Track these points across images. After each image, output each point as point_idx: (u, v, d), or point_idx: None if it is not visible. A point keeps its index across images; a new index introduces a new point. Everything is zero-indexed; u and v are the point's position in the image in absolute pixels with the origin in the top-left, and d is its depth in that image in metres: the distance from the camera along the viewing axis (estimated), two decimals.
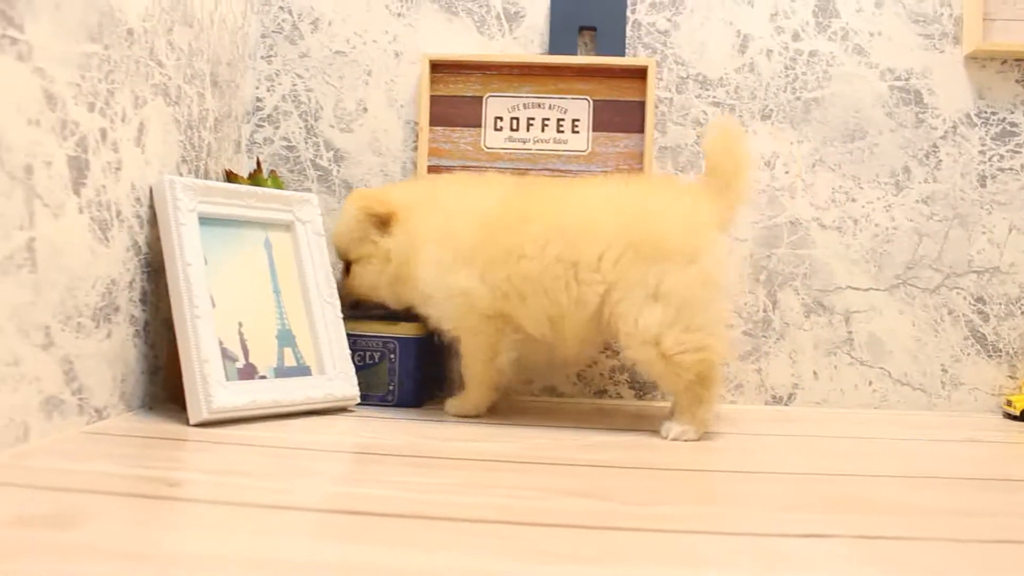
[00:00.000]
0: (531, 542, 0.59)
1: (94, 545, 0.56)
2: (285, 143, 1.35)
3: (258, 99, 1.35)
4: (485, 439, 0.98)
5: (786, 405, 1.32)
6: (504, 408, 1.18)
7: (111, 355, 0.98)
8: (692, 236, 1.04)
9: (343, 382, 1.11)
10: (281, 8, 1.35)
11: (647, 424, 1.10)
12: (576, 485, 0.78)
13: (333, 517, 0.64)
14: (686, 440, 1.01)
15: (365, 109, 1.34)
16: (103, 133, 0.94)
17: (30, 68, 0.82)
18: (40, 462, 0.77)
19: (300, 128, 1.34)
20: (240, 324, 1.06)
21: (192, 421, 0.98)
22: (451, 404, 1.14)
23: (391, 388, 1.15)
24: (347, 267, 1.20)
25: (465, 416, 1.12)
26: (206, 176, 1.21)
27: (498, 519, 0.65)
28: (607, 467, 0.86)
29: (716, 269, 1.03)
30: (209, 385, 0.98)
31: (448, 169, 1.31)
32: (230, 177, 1.19)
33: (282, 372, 1.08)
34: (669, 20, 1.34)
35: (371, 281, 1.17)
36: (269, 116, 1.35)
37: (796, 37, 1.33)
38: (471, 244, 1.08)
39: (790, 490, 0.79)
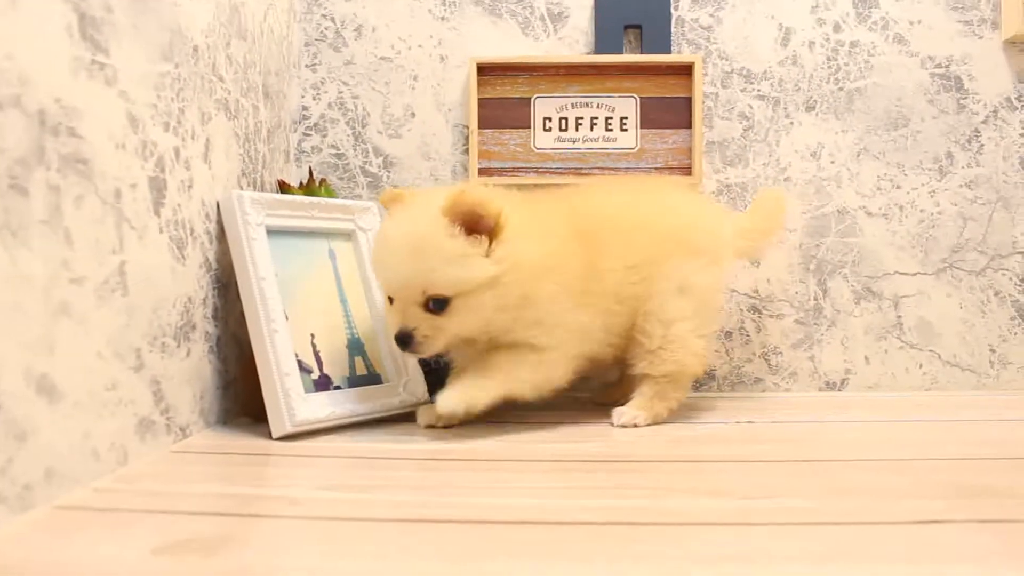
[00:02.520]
0: (657, 542, 0.60)
1: (251, 569, 0.56)
2: (334, 151, 1.35)
3: (304, 108, 1.35)
4: (568, 439, 0.99)
5: (839, 391, 1.34)
6: (557, 404, 1.19)
7: (191, 373, 0.99)
8: (717, 238, 1.14)
9: (414, 387, 1.11)
10: (324, 16, 1.35)
11: (713, 416, 1.12)
12: (678, 482, 0.79)
13: (462, 528, 0.65)
14: (635, 425, 1.05)
15: (413, 114, 1.35)
16: (176, 152, 0.95)
17: (116, 92, 0.82)
18: (147, 485, 0.78)
19: (348, 135, 1.35)
20: (312, 336, 1.07)
21: (275, 435, 0.98)
22: (450, 396, 0.97)
23: None
24: (430, 305, 0.96)
25: (470, 412, 0.99)
26: (262, 188, 1.21)
27: (614, 520, 0.66)
28: (696, 462, 0.87)
29: (726, 277, 1.15)
30: (291, 399, 0.99)
31: (500, 172, 1.31)
32: (283, 188, 1.20)
33: (354, 381, 1.09)
34: (712, 16, 1.34)
35: (484, 318, 0.97)
36: (316, 124, 1.35)
37: (837, 28, 1.34)
38: (576, 276, 1.01)
39: (895, 478, 0.80)
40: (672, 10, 1.34)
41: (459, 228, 0.93)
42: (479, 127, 1.31)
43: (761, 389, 1.34)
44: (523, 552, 0.60)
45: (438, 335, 0.96)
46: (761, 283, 1.34)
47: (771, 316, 1.34)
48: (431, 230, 0.94)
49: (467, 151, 1.33)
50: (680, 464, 0.87)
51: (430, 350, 0.97)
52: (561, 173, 1.32)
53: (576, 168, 1.32)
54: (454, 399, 0.96)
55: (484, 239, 0.94)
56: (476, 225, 0.94)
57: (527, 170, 1.32)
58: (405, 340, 0.96)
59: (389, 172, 1.35)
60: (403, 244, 0.95)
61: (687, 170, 1.31)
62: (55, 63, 0.73)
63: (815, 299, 1.34)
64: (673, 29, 1.34)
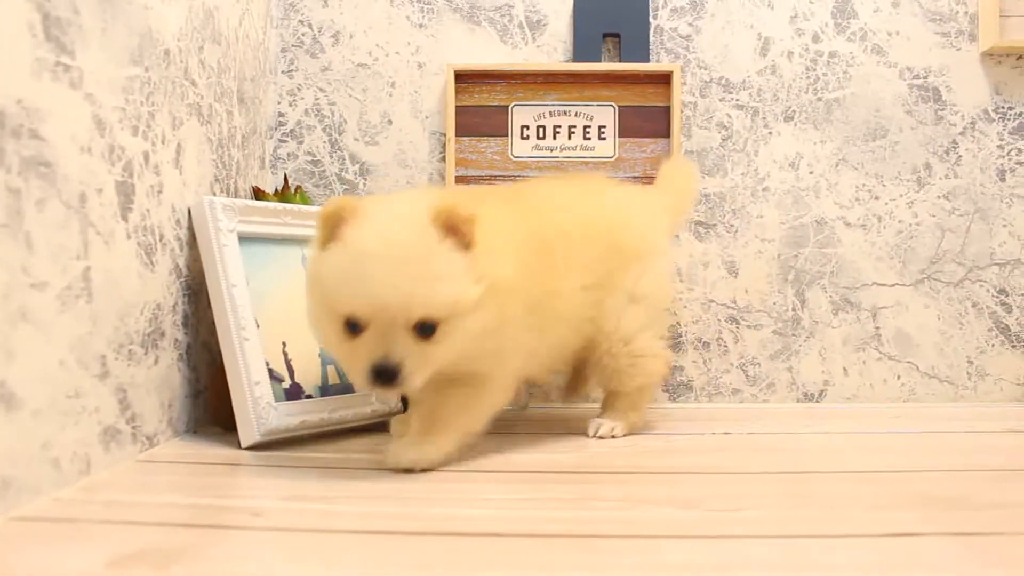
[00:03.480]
0: (623, 554, 0.59)
1: None
2: (309, 158, 1.34)
3: (280, 114, 1.34)
4: (543, 450, 0.97)
5: (817, 402, 1.33)
6: (513, 419, 1.18)
7: (159, 381, 0.97)
8: (657, 233, 1.11)
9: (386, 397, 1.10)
10: (301, 22, 1.34)
11: (689, 427, 1.11)
12: (650, 493, 0.78)
13: (429, 540, 0.64)
14: (613, 436, 1.04)
15: (390, 121, 1.34)
16: (146, 156, 0.93)
17: (82, 94, 0.81)
18: (109, 495, 0.76)
19: (324, 142, 1.33)
20: (284, 344, 1.05)
21: (244, 444, 0.97)
22: (406, 452, 0.87)
23: None
24: (419, 331, 0.81)
25: (430, 468, 0.87)
26: (236, 194, 1.19)
27: (581, 533, 0.65)
28: (669, 473, 0.86)
29: (670, 270, 1.13)
30: (260, 407, 0.97)
31: (477, 179, 1.30)
32: (258, 194, 1.18)
33: (326, 390, 1.07)
34: (691, 25, 1.34)
35: (468, 345, 0.85)
36: (292, 131, 1.34)
37: (816, 39, 1.34)
38: (534, 295, 0.93)
39: (870, 489, 0.79)
40: (651, 19, 1.33)
41: (451, 242, 0.81)
42: (456, 135, 1.30)
43: (739, 400, 1.33)
44: (490, 564, 0.59)
45: (425, 366, 0.81)
46: (739, 293, 1.33)
47: (749, 327, 1.33)
48: (423, 241, 0.80)
49: (444, 159, 1.32)
50: (653, 475, 0.86)
51: (413, 385, 0.82)
52: None
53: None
54: (409, 456, 0.85)
55: (467, 252, 0.82)
56: (460, 236, 0.82)
57: (505, 178, 1.31)
58: (389, 374, 0.80)
59: (365, 179, 1.33)
60: (391, 257, 0.79)
61: None
62: (16, 63, 0.72)
63: (793, 310, 1.34)
64: (652, 38, 1.33)
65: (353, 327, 0.81)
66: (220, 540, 0.64)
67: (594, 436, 1.04)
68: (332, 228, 0.83)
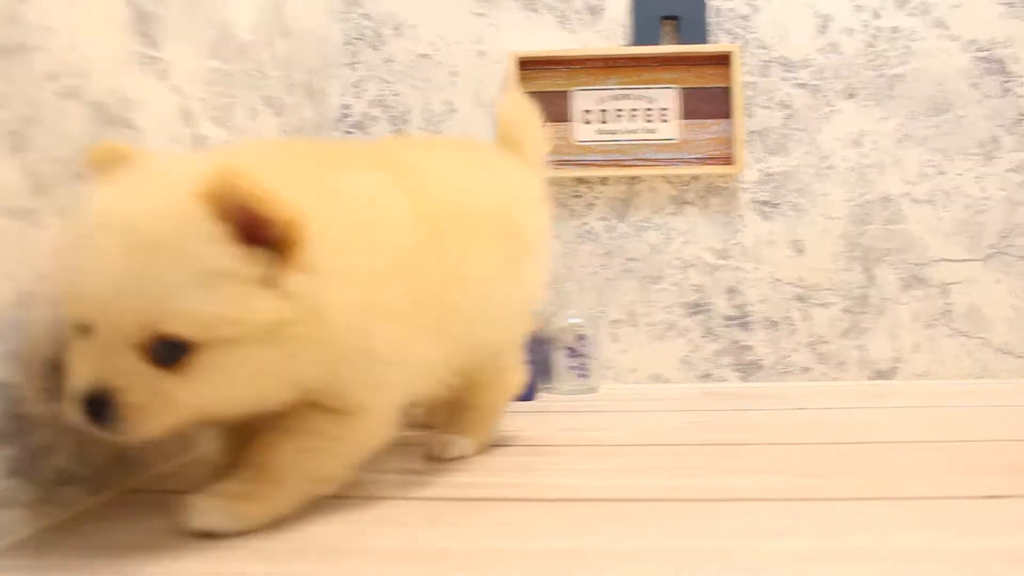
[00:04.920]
0: (715, 517, 0.60)
1: None
2: None
3: (345, 106, 1.37)
4: (610, 428, 0.98)
5: (889, 379, 1.33)
6: (612, 396, 1.19)
7: None
8: (544, 219, 0.88)
9: None
10: (362, 15, 1.37)
11: (763, 403, 1.11)
12: (738, 464, 0.79)
13: (537, 506, 0.65)
14: (463, 456, 0.82)
15: (453, 110, 1.35)
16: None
17: (168, 86, 0.84)
18: None
19: (390, 132, 1.36)
20: None
21: None
22: (214, 512, 0.58)
23: None
24: (157, 352, 0.53)
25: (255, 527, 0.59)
26: None
27: (676, 498, 0.66)
28: (752, 445, 0.86)
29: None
30: None
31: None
32: None
33: None
34: (749, 4, 1.34)
35: (255, 389, 0.56)
36: (358, 123, 1.36)
37: (876, 15, 1.33)
38: (424, 294, 0.66)
39: (953, 457, 0.79)
40: (708, 0, 1.33)
41: (226, 228, 0.52)
42: None
43: (809, 378, 1.33)
44: (595, 525, 0.60)
45: (163, 406, 0.53)
46: (806, 272, 1.33)
47: (817, 305, 1.33)
48: (174, 221, 0.52)
49: None
50: (733, 447, 0.87)
51: (144, 430, 0.53)
52: (602, 165, 1.32)
53: (617, 160, 1.32)
54: (216, 515, 0.58)
55: (268, 255, 0.54)
56: (256, 230, 0.53)
57: (569, 163, 1.32)
58: (96, 406, 0.52)
59: None
60: (118, 232, 0.52)
61: (728, 159, 1.31)
62: (112, 56, 0.74)
63: (861, 287, 1.33)
64: (710, 19, 1.33)
65: (79, 328, 0.54)
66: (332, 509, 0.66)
67: (446, 458, 0.81)
68: (92, 183, 0.59)
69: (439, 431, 0.84)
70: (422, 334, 0.65)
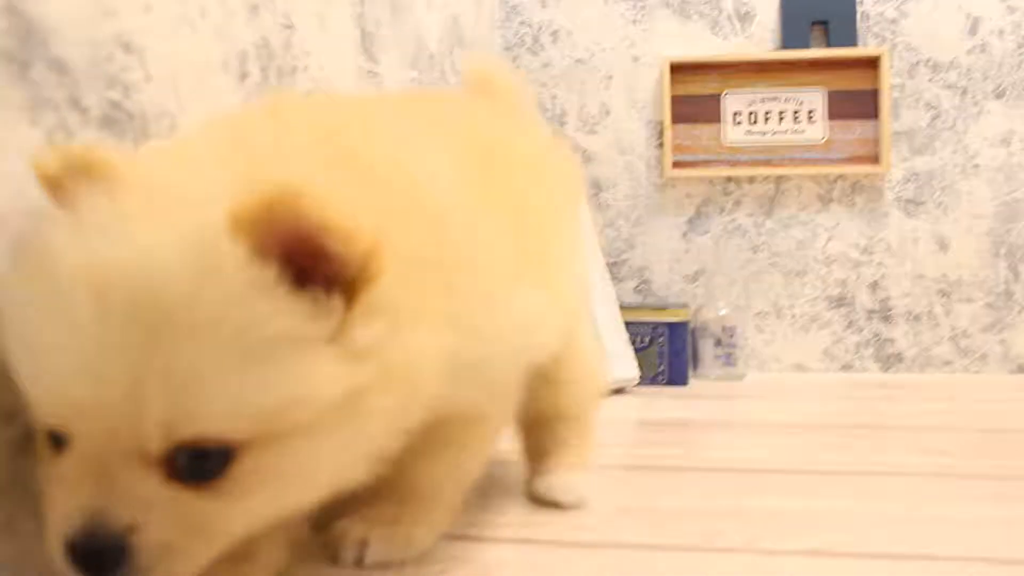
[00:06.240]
0: (884, 486, 0.67)
1: None
2: None
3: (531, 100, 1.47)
4: (759, 411, 1.06)
5: None
6: (760, 382, 1.26)
7: None
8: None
9: (625, 364, 1.20)
10: (522, 23, 1.46)
11: (905, 392, 1.16)
12: (899, 442, 0.85)
13: (717, 475, 0.73)
14: (577, 498, 0.64)
15: (608, 112, 1.44)
16: None
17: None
18: None
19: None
20: None
21: None
22: (381, 543, 0.50)
23: (661, 369, 1.25)
24: (182, 467, 0.35)
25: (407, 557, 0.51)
26: None
27: (844, 471, 0.73)
28: (906, 429, 0.93)
29: None
30: None
31: (692, 164, 1.39)
32: None
33: None
34: (897, 9, 1.38)
35: (325, 478, 0.40)
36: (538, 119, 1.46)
37: None
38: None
39: None
40: (857, 5, 1.38)
41: (278, 270, 0.35)
42: (672, 122, 1.39)
43: (950, 371, 1.37)
44: (771, 491, 0.68)
45: (198, 540, 0.36)
46: (950, 268, 1.37)
47: (960, 300, 1.37)
48: (201, 266, 0.34)
49: (660, 145, 1.41)
50: (890, 430, 0.94)
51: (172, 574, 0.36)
52: (751, 164, 1.39)
53: (766, 159, 1.38)
54: (386, 545, 0.50)
55: (327, 298, 0.36)
56: (312, 263, 0.36)
57: (719, 162, 1.39)
58: (98, 555, 0.35)
59: (587, 166, 1.44)
60: (114, 293, 0.33)
61: (874, 159, 1.36)
62: (349, 71, 0.85)
63: (1006, 283, 1.36)
64: (859, 23, 1.38)
65: (53, 436, 0.36)
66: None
67: (554, 500, 0.64)
68: (59, 199, 0.38)
69: (534, 464, 0.67)
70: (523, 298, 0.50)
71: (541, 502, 0.64)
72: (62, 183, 0.37)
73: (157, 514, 0.35)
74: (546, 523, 0.60)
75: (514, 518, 0.61)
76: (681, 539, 0.56)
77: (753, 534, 0.56)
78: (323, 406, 0.36)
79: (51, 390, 0.34)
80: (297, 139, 0.42)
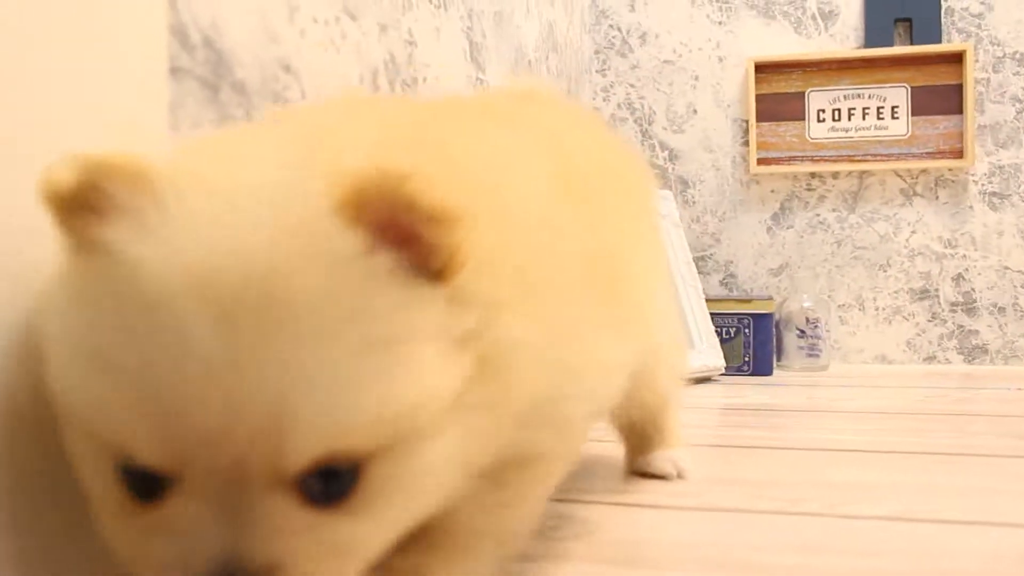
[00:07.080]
0: (964, 465, 0.72)
1: None
2: None
3: (595, 109, 1.53)
4: (844, 399, 1.10)
5: None
6: (842, 372, 1.30)
7: None
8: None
9: (711, 354, 1.26)
10: (611, 26, 1.53)
11: (989, 383, 1.19)
12: (978, 428, 0.90)
13: (810, 454, 0.79)
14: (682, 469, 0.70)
15: (694, 111, 1.49)
16: None
17: None
18: None
19: (636, 132, 1.51)
20: None
21: None
22: None
23: (746, 359, 1.30)
24: (314, 488, 0.29)
25: None
26: None
27: (924, 451, 0.78)
28: (990, 416, 0.97)
29: None
30: None
31: (777, 161, 1.44)
32: None
33: None
34: (982, 3, 1.40)
35: (442, 485, 0.34)
36: (607, 124, 1.53)
37: None
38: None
39: None
40: (941, 1, 1.41)
41: (390, 255, 0.30)
42: (757, 120, 1.44)
43: None
44: (856, 468, 0.74)
45: (342, 568, 0.31)
46: None
47: None
48: (325, 263, 0.29)
49: (746, 143, 1.46)
50: (971, 417, 0.98)
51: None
52: (834, 160, 1.43)
53: (849, 155, 1.42)
54: None
55: (432, 285, 0.31)
56: (413, 249, 0.30)
57: (803, 159, 1.44)
58: None
59: (674, 164, 1.50)
60: (229, 312, 0.27)
61: (958, 154, 1.39)
62: (461, 80, 0.93)
63: None
64: (943, 19, 1.41)
65: (143, 481, 0.30)
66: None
67: (657, 471, 0.70)
68: (76, 222, 0.30)
69: (632, 452, 0.71)
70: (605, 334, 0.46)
71: (643, 475, 0.69)
72: (81, 202, 0.29)
73: (302, 545, 0.30)
74: (645, 490, 0.67)
75: (615, 485, 0.68)
76: (767, 504, 0.62)
77: (834, 500, 0.62)
78: (442, 404, 0.32)
79: (163, 425, 0.28)
80: (380, 132, 0.38)
